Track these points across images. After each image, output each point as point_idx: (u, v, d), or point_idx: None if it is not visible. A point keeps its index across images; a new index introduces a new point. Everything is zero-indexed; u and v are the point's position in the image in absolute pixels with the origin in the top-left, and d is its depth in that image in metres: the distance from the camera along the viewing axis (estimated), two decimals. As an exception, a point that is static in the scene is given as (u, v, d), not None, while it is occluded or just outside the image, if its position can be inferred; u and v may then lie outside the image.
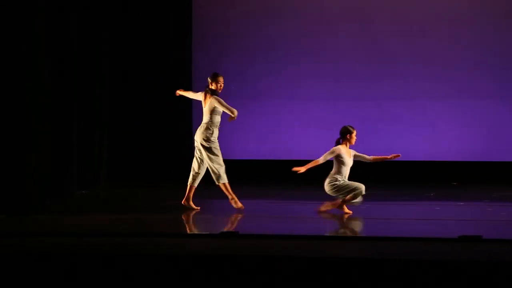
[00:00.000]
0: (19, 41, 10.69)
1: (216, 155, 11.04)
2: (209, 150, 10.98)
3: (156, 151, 15.77)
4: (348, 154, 10.62)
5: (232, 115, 10.82)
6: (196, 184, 11.17)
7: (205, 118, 11.08)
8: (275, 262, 7.16)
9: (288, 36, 15.64)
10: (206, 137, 10.98)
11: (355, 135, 10.65)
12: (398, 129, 15.30)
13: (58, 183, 12.19)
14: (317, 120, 15.56)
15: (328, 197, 10.90)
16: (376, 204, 11.47)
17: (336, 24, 15.50)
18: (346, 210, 10.50)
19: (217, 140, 11.08)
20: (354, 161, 10.68)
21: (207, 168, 11.16)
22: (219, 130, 11.15)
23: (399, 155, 10.66)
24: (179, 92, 11.69)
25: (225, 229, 9.41)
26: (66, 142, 12.67)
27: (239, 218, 10.45)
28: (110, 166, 15.15)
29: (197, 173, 11.17)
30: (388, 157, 10.67)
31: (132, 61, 15.77)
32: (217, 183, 11.08)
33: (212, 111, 11.02)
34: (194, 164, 11.16)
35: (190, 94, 11.66)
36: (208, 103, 11.10)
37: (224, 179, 11.03)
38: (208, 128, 11.00)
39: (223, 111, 11.04)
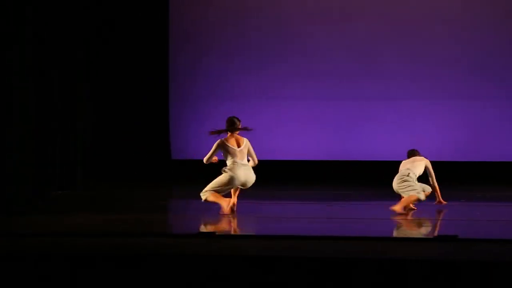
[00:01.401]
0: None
1: None
2: None
3: (133, 152, 15.72)
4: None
5: None
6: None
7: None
8: (253, 262, 7.16)
9: (267, 36, 15.64)
10: None
11: None
12: (379, 129, 15.34)
13: (38, 183, 12.15)
14: (296, 120, 15.57)
15: (306, 198, 10.91)
16: (355, 204, 11.50)
17: (316, 24, 15.52)
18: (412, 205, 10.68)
19: None
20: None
21: None
22: None
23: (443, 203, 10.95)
24: None
25: (203, 230, 9.40)
26: (46, 143, 12.63)
27: (216, 218, 10.44)
28: (87, 166, 15.08)
29: None
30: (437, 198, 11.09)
31: (110, 61, 15.72)
32: None
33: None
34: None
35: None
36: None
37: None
38: None
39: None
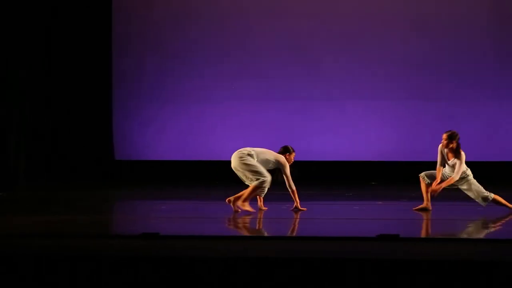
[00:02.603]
0: None
1: None
2: None
3: (76, 153, 15.63)
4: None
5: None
6: None
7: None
8: (196, 263, 7.17)
9: (210, 39, 15.67)
10: None
11: None
12: (320, 129, 15.45)
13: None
14: (237, 121, 15.62)
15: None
16: (291, 205, 11.54)
17: (257, 25, 15.60)
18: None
19: None
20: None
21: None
22: None
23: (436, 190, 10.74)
24: None
25: (147, 231, 9.38)
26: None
27: (160, 219, 10.42)
28: (30, 168, 14.95)
29: None
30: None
31: (52, 63, 15.60)
32: None
33: None
34: None
35: None
36: None
37: None
38: None
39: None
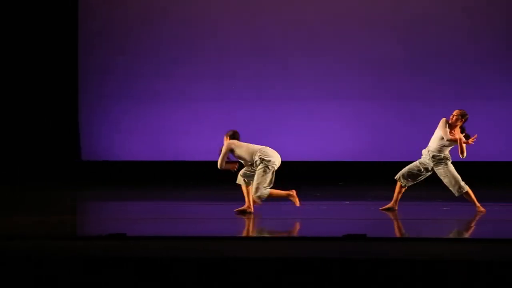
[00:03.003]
0: None
1: None
2: None
3: (42, 153, 15.52)
4: None
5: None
6: None
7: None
8: (163, 263, 7.15)
9: (178, 37, 15.62)
10: None
11: None
12: (286, 129, 15.46)
13: None
14: (206, 121, 15.59)
15: (213, 199, 10.93)
16: (264, 204, 11.55)
17: (227, 24, 15.57)
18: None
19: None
20: None
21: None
22: None
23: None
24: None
25: (113, 231, 9.33)
26: None
27: (127, 220, 10.38)
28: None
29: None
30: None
31: (17, 61, 15.47)
32: None
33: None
34: None
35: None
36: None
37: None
38: None
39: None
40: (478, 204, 10.64)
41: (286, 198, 10.65)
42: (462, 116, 10.66)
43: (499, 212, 11.21)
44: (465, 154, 10.50)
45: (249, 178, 10.64)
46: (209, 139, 15.47)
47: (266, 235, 9.30)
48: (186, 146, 15.54)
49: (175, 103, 15.63)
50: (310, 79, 15.49)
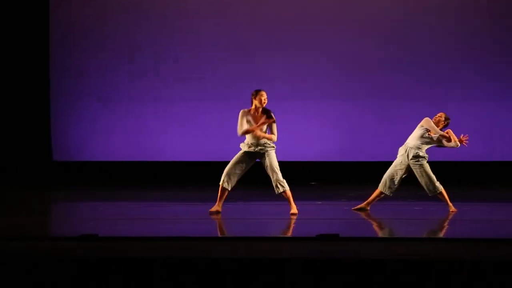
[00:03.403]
0: None
1: None
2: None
3: (12, 153, 15.42)
4: None
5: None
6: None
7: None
8: (135, 264, 7.13)
9: (150, 37, 15.57)
10: None
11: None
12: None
13: None
14: (177, 121, 15.56)
15: (186, 199, 10.91)
16: (236, 205, 11.56)
17: (202, 23, 15.55)
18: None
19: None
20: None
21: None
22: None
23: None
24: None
25: (85, 232, 9.29)
26: None
27: (99, 220, 10.33)
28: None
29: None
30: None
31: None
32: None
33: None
34: None
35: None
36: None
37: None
38: None
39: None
40: (450, 204, 10.74)
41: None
42: (446, 119, 10.85)
43: (472, 211, 11.31)
44: (457, 141, 10.68)
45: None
46: (184, 140, 15.47)
47: (238, 235, 9.29)
48: (159, 146, 15.50)
49: (149, 103, 15.58)
50: (280, 79, 15.49)
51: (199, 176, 15.22)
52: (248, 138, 10.54)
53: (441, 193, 10.75)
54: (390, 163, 10.93)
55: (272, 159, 10.51)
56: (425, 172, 10.72)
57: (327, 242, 8.11)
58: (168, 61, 15.56)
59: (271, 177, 10.49)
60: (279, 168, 10.52)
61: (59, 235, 9.59)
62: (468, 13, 15.48)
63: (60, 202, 13.25)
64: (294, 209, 10.44)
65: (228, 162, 10.64)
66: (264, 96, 10.60)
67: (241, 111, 10.61)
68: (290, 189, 10.51)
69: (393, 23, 15.46)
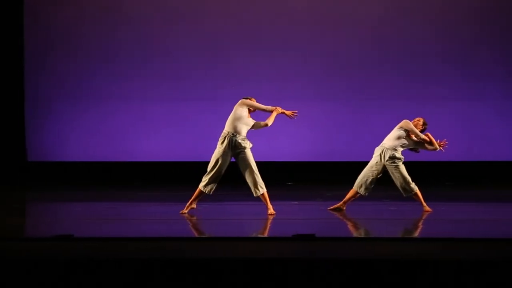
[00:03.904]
0: None
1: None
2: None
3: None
4: None
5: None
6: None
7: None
8: (110, 264, 7.11)
9: (123, 37, 15.52)
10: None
11: None
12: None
13: None
14: (155, 121, 15.53)
15: (163, 199, 10.88)
16: (212, 205, 11.56)
17: (175, 23, 15.51)
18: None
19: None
20: None
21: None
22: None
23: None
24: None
25: (60, 232, 9.25)
26: None
27: (74, 221, 10.29)
28: None
29: None
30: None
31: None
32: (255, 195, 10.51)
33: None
34: None
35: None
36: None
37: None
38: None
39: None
40: (425, 204, 10.80)
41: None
42: (424, 124, 10.96)
43: (448, 211, 11.38)
44: (436, 145, 10.77)
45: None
46: (158, 140, 15.43)
47: (215, 235, 9.28)
48: (135, 147, 15.45)
49: (123, 104, 15.53)
50: (255, 80, 15.49)
51: (174, 176, 15.19)
52: (244, 130, 10.46)
53: (416, 194, 10.81)
54: (366, 163, 10.97)
55: (250, 159, 10.48)
56: (401, 173, 10.77)
57: (303, 242, 8.12)
58: (144, 61, 15.51)
59: (249, 178, 10.44)
60: (257, 169, 10.49)
61: (34, 235, 9.54)
62: (448, 14, 15.52)
63: (35, 202, 13.18)
64: (271, 210, 10.44)
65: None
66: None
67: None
68: (267, 190, 10.50)
69: (371, 24, 15.50)
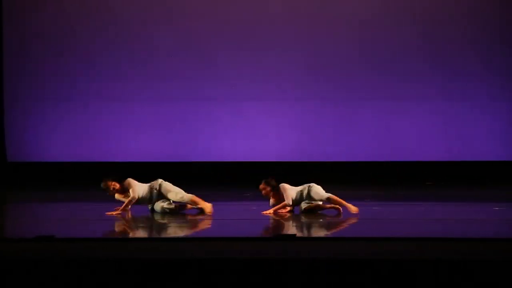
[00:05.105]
0: None
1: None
2: None
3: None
4: None
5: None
6: None
7: None
8: (92, 265, 7.10)
9: (103, 37, 15.48)
10: None
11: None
12: (218, 130, 15.45)
13: None
14: (133, 122, 15.51)
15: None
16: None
17: (156, 23, 15.48)
18: None
19: None
20: None
21: None
22: None
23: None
24: None
25: (41, 233, 9.22)
26: None
27: (56, 221, 10.26)
28: None
29: None
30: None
31: None
32: None
33: None
34: None
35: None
36: None
37: None
38: None
39: None
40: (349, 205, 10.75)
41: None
42: (268, 184, 10.97)
43: (426, 211, 11.42)
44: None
45: None
46: (141, 140, 15.40)
47: (196, 236, 9.29)
48: (116, 147, 15.42)
49: (105, 104, 15.50)
50: (237, 80, 15.50)
51: (157, 176, 15.14)
52: None
53: (328, 198, 10.78)
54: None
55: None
56: (315, 195, 10.79)
57: (284, 242, 8.13)
58: (125, 62, 15.48)
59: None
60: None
61: (14, 236, 9.51)
62: (430, 14, 15.56)
63: (15, 203, 13.13)
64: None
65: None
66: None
67: None
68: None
69: (350, 25, 15.53)
